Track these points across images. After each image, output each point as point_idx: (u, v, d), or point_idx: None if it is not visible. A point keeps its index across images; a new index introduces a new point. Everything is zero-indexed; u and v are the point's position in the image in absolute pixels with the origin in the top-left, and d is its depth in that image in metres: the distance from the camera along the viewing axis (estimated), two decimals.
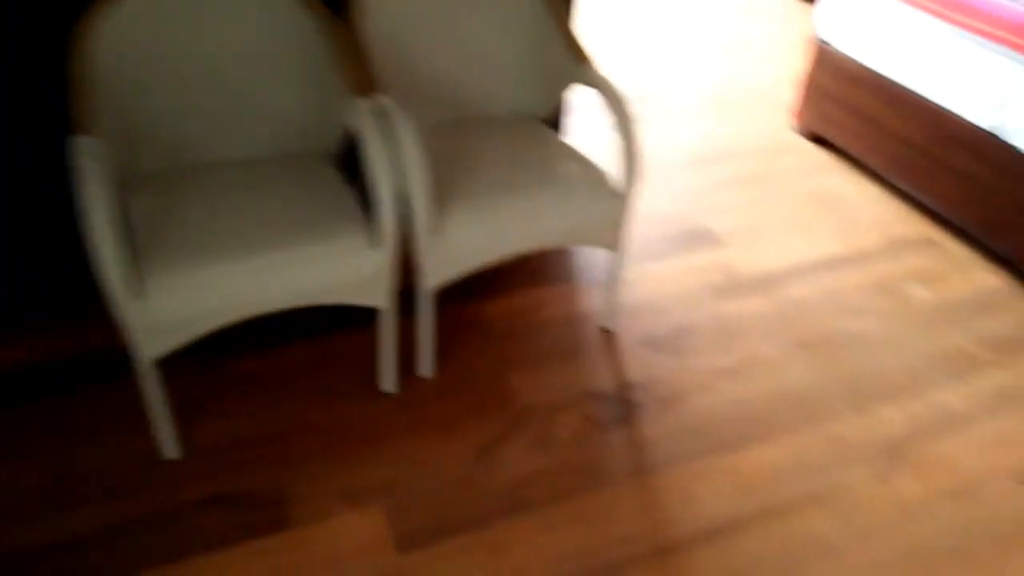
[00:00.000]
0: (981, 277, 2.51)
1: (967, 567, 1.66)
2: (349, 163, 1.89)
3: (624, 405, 1.96)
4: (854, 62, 2.86)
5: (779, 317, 2.29)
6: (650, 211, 2.69)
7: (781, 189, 2.89)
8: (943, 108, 2.57)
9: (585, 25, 4.08)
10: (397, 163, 1.64)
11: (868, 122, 2.86)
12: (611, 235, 1.99)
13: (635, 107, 3.38)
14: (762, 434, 1.92)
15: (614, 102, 1.89)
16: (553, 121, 2.30)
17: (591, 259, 2.44)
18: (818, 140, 3.15)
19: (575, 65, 1.98)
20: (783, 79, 3.68)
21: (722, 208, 2.76)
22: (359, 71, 1.82)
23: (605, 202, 1.92)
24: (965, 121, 2.50)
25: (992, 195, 2.47)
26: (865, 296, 2.39)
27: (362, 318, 2.05)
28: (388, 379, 1.93)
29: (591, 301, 2.28)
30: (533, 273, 2.36)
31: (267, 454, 1.76)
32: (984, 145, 2.46)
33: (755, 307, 2.32)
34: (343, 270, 1.66)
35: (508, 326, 2.17)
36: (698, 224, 2.66)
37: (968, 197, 2.55)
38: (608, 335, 2.17)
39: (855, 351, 2.19)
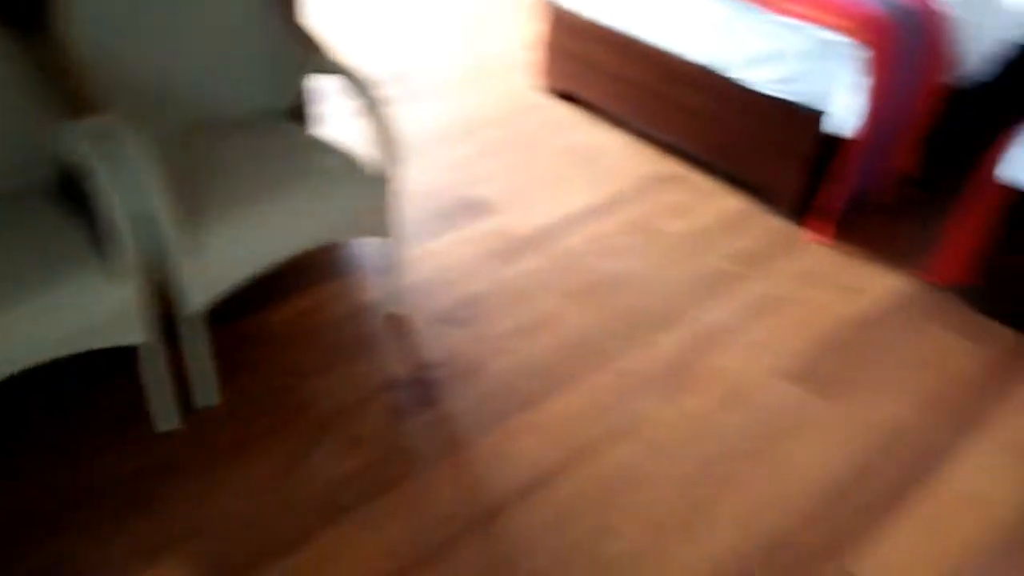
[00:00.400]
0: (724, 202, 2.75)
1: (755, 463, 1.84)
2: (74, 193, 1.71)
3: (425, 386, 1.96)
4: (582, 18, 3.01)
5: (556, 270, 2.39)
6: (419, 190, 2.69)
7: (538, 149, 2.99)
8: (667, 51, 2.77)
9: (321, 11, 3.97)
10: (132, 185, 1.50)
11: (605, 73, 3.02)
12: (380, 222, 1.96)
13: (385, 88, 3.34)
14: (559, 384, 2.00)
15: (358, 87, 1.86)
16: (298, 114, 2.22)
17: (368, 247, 2.40)
18: (565, 97, 3.29)
19: (308, 54, 1.92)
20: (525, 42, 3.79)
21: (487, 176, 2.81)
22: (70, 90, 1.65)
23: (366, 190, 1.89)
24: (687, 60, 2.72)
25: (720, 125, 2.71)
26: (627, 237, 2.55)
27: (130, 356, 1.88)
28: (168, 416, 1.78)
29: (375, 290, 2.25)
30: (309, 273, 2.28)
31: (47, 530, 1.58)
32: (706, 81, 2.68)
33: (534, 265, 2.40)
34: (83, 313, 1.50)
35: (292, 332, 2.08)
36: (468, 195, 2.69)
37: (701, 130, 2.78)
38: (397, 321, 2.15)
39: (627, 289, 2.33)
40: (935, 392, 2.05)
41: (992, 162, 2.11)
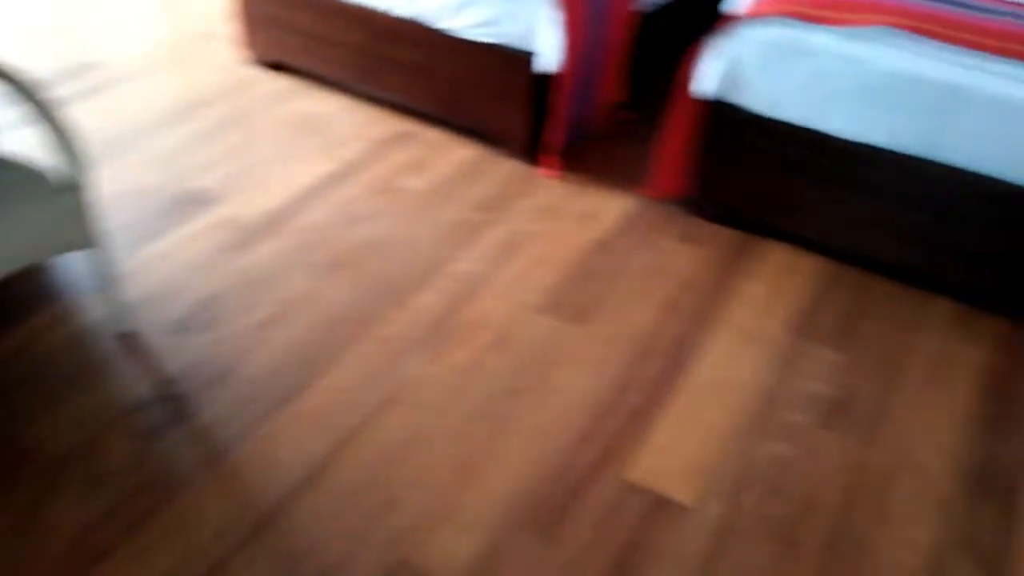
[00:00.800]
0: (458, 153, 2.76)
1: (527, 398, 1.88)
2: None
3: (171, 403, 1.79)
4: None
5: (300, 249, 2.28)
6: (129, 190, 2.44)
7: (258, 125, 2.82)
8: (371, 8, 2.70)
9: None
10: None
11: (313, 38, 2.90)
12: (80, 234, 1.74)
13: (66, 84, 2.98)
14: (322, 366, 1.92)
15: (19, 89, 1.61)
16: None
17: (79, 264, 2.14)
18: (276, 67, 3.12)
19: None
20: (222, 14, 3.53)
21: (206, 163, 2.61)
22: None
23: (54, 202, 1.66)
24: (393, 16, 2.66)
25: (439, 78, 2.70)
26: (368, 202, 2.49)
27: None
28: None
29: (95, 310, 2.01)
30: (13, 304, 1.99)
31: None
32: (417, 34, 2.65)
33: (274, 248, 2.28)
34: None
35: (3, 374, 1.81)
36: (187, 187, 2.48)
37: (422, 85, 2.76)
38: (128, 339, 1.94)
39: (377, 254, 2.28)
40: (673, 297, 2.21)
41: (685, 79, 2.28)
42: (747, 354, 2.05)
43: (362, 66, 2.85)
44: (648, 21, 2.80)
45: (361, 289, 2.15)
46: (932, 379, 1.99)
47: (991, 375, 2.01)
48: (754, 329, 2.12)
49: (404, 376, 1.91)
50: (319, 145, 2.74)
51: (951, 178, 2.05)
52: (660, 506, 1.67)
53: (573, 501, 1.67)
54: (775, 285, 2.27)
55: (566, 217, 2.49)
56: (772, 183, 2.30)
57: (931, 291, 2.23)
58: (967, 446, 1.83)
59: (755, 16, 2.10)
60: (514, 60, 2.51)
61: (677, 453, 1.79)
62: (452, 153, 2.75)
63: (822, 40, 2.06)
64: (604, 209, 2.53)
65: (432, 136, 2.83)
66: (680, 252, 2.37)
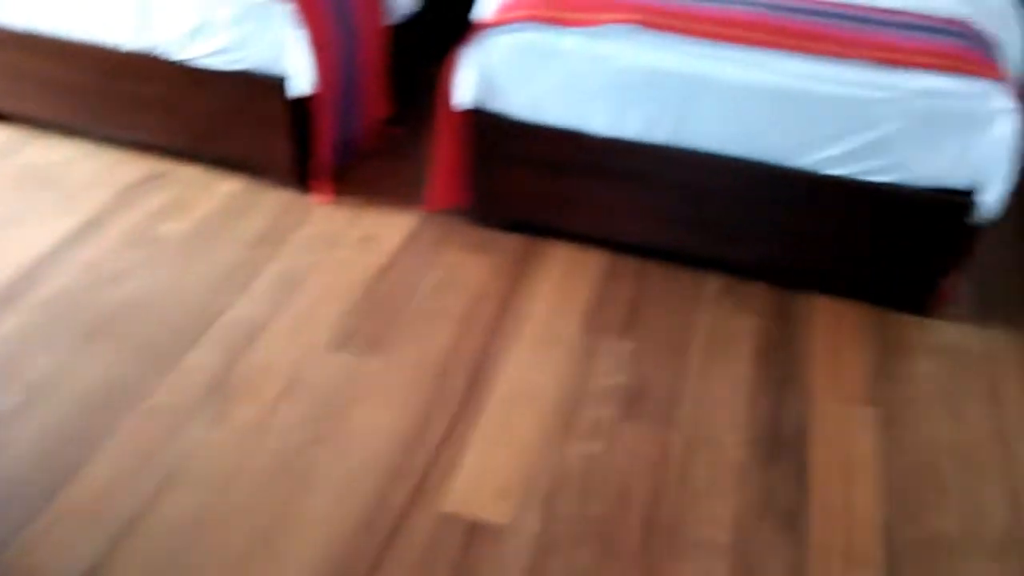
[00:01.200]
0: (220, 188, 2.55)
1: (327, 445, 1.77)
2: None
3: None
4: None
5: (44, 323, 2.01)
6: None
7: None
8: (96, 44, 2.43)
9: None
10: None
11: (33, 81, 2.57)
12: None
13: None
14: (84, 454, 1.69)
15: None
16: None
17: None
18: None
19: None
20: None
21: None
22: None
23: None
24: (123, 51, 2.42)
25: (185, 112, 2.49)
26: (122, 257, 2.24)
27: None
28: None
29: None
30: None
31: None
32: (153, 68, 2.42)
33: (11, 327, 1.99)
34: None
35: None
36: None
37: (168, 121, 2.53)
38: None
39: (138, 315, 2.06)
40: (465, 311, 2.17)
41: (445, 90, 2.25)
42: (545, 358, 2.05)
43: (96, 107, 2.57)
44: (401, 32, 2.74)
45: (122, 358, 1.93)
46: (714, 353, 2.09)
47: (765, 340, 2.14)
48: (548, 332, 2.13)
49: (184, 448, 1.73)
50: (55, 200, 2.43)
51: (701, 162, 2.15)
52: (477, 532, 1.62)
53: (388, 547, 1.58)
54: (562, 285, 2.29)
55: (346, 243, 2.37)
56: (543, 185, 2.32)
57: (702, 269, 2.35)
58: (753, 412, 1.94)
59: (501, 23, 2.10)
60: (265, 86, 2.36)
61: (489, 473, 1.75)
62: (213, 190, 2.55)
63: (569, 42, 2.10)
64: (385, 230, 2.44)
65: (188, 174, 2.60)
66: (467, 264, 2.34)
